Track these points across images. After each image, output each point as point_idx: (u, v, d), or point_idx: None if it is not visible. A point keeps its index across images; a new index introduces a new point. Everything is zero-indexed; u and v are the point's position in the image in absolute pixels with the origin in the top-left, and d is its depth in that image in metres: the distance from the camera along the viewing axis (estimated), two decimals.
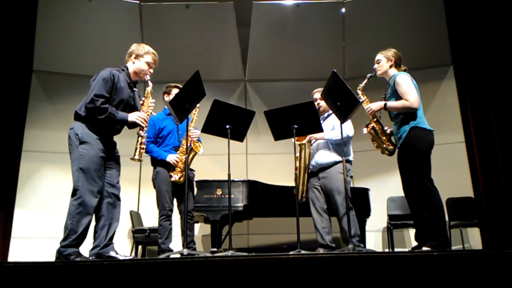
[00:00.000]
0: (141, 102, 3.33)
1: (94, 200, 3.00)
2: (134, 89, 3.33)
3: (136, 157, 3.20)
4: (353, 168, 4.03)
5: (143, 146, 3.22)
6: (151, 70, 3.35)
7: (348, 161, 3.90)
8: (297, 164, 3.87)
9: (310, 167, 3.95)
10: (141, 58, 3.30)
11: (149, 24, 6.05)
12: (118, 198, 3.19)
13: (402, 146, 3.31)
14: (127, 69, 3.30)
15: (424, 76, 5.61)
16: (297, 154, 3.91)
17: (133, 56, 3.30)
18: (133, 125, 3.25)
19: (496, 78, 5.33)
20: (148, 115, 3.26)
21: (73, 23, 5.83)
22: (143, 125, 3.21)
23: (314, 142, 3.95)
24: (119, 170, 3.26)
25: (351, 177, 3.98)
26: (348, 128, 3.89)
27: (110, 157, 3.18)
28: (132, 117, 3.18)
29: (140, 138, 3.21)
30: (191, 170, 4.12)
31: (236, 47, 6.21)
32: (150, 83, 3.32)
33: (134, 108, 3.29)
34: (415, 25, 5.88)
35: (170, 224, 3.90)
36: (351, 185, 4.01)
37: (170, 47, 6.10)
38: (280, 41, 6.23)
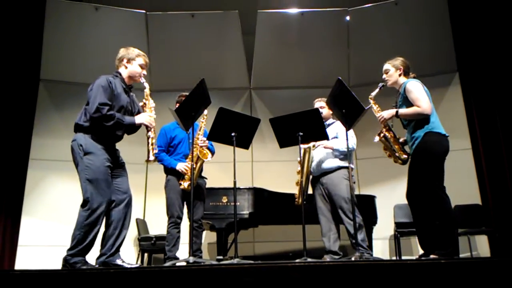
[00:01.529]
0: (141, 104, 3.33)
1: (103, 210, 2.99)
2: (131, 93, 3.33)
3: (151, 158, 3.19)
4: (360, 175, 4.03)
5: (154, 146, 3.22)
6: (145, 72, 3.34)
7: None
8: (299, 168, 3.89)
9: (312, 171, 3.96)
10: (133, 62, 3.29)
11: (155, 33, 6.10)
12: (129, 205, 3.17)
13: (416, 151, 3.26)
14: (120, 74, 3.29)
15: (429, 83, 5.49)
16: (299, 158, 3.93)
17: (125, 60, 3.29)
18: (132, 130, 3.26)
19: (502, 84, 5.31)
20: (153, 115, 3.26)
21: (79, 32, 5.89)
22: (151, 126, 3.21)
23: (318, 146, 3.96)
24: (127, 176, 3.25)
25: (354, 182, 3.99)
26: (353, 140, 3.92)
27: (116, 165, 3.18)
28: (140, 119, 3.19)
29: (150, 139, 3.21)
30: (203, 177, 4.14)
31: (241, 55, 6.24)
32: (146, 85, 3.31)
33: (132, 113, 3.29)
34: (420, 32, 5.88)
35: (178, 232, 3.90)
36: (356, 192, 4.01)
37: (176, 55, 6.15)
38: (285, 49, 6.25)
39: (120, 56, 3.32)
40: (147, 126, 3.21)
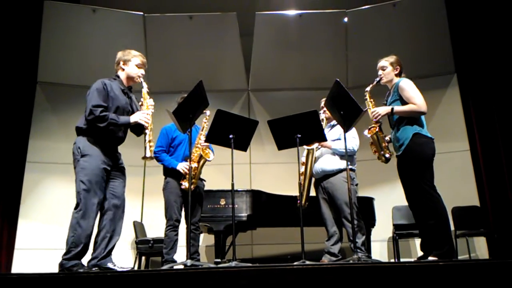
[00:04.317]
0: (139, 103, 3.34)
1: (95, 212, 3.01)
2: (131, 94, 3.35)
3: (148, 154, 3.20)
4: (358, 177, 4.02)
5: (151, 144, 3.23)
6: (143, 71, 3.37)
7: (352, 170, 3.90)
8: (303, 169, 3.87)
9: (314, 173, 3.95)
10: (129, 63, 3.33)
11: (153, 35, 6.09)
12: (122, 210, 3.17)
13: (405, 153, 3.26)
14: (119, 77, 3.34)
15: (428, 84, 5.60)
16: (303, 160, 3.91)
17: (121, 63, 3.34)
18: (139, 131, 3.27)
19: (500, 85, 5.31)
20: (149, 113, 3.26)
21: (77, 35, 5.88)
22: (147, 124, 3.21)
23: (320, 148, 3.96)
24: (124, 181, 3.25)
25: (357, 185, 3.98)
26: (355, 141, 3.90)
27: (114, 168, 3.18)
28: (135, 118, 3.19)
29: (147, 136, 3.22)
30: (202, 180, 4.12)
31: (239, 57, 6.23)
32: (144, 84, 3.33)
33: (133, 113, 3.30)
34: (418, 33, 5.89)
35: (176, 235, 3.88)
36: (357, 194, 3.99)
37: (174, 57, 6.14)
38: (283, 50, 6.25)
39: (116, 60, 3.39)
40: (143, 124, 3.21)
